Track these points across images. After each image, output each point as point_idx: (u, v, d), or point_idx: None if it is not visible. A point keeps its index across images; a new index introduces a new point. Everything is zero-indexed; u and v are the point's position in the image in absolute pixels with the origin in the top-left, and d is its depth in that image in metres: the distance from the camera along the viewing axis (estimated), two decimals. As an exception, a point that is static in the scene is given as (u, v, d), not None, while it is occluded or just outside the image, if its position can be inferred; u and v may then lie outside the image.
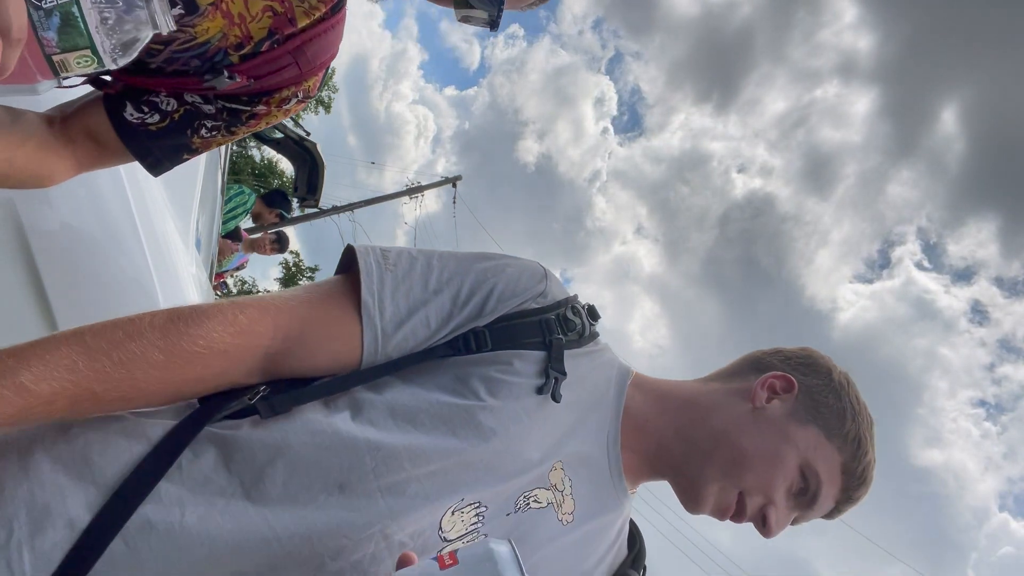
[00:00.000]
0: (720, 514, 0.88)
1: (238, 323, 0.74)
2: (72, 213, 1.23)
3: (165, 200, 1.80)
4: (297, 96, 1.05)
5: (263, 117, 1.06)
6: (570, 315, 0.86)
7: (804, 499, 0.87)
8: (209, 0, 0.89)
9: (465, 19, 1.01)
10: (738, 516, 0.87)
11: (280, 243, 5.19)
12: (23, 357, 0.65)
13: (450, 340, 0.81)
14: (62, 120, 1.01)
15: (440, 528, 0.75)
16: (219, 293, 4.97)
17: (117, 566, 0.65)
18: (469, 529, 0.76)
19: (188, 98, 1.02)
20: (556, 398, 0.81)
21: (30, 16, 0.62)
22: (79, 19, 0.66)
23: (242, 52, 0.95)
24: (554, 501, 0.82)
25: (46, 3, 0.63)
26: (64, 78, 0.71)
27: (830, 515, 0.91)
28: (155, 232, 1.60)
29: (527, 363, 0.81)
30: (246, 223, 5.00)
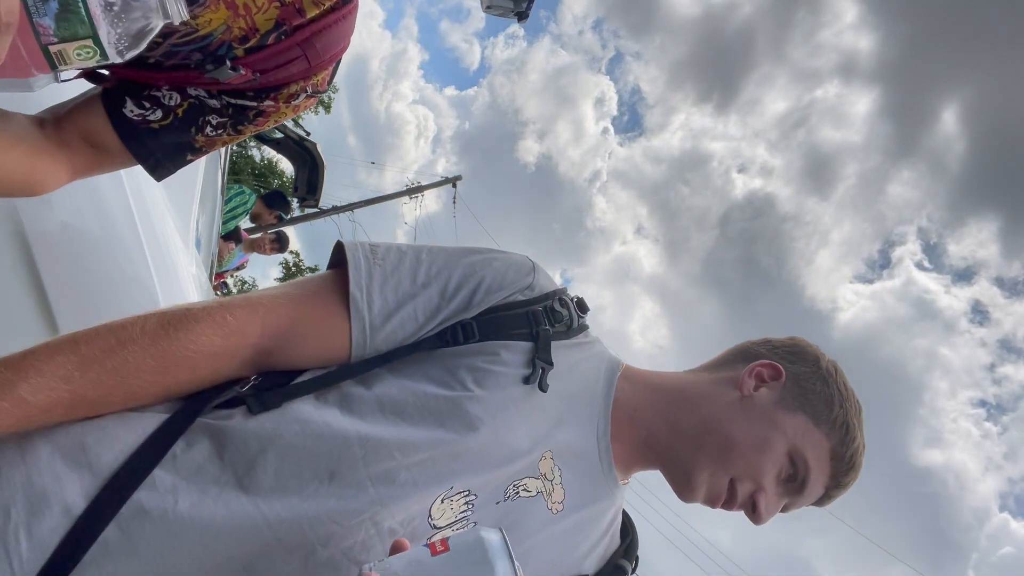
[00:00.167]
0: (712, 501, 0.89)
1: (227, 325, 0.76)
2: (72, 213, 1.24)
3: (165, 200, 1.81)
4: (306, 91, 0.99)
5: (271, 114, 1.00)
6: (557, 307, 0.88)
7: (793, 485, 0.88)
8: None
9: (490, 8, 0.99)
10: (729, 503, 0.88)
11: (280, 243, 5.20)
12: (20, 369, 0.67)
13: (438, 332, 0.82)
14: (55, 123, 0.95)
15: (430, 516, 0.76)
16: (219, 293, 4.98)
17: (112, 551, 0.66)
18: (458, 517, 0.77)
19: (192, 91, 0.96)
20: (543, 387, 0.82)
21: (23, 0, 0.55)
22: (80, 4, 0.57)
23: (247, 45, 0.88)
24: (544, 490, 0.83)
25: None
26: (61, 71, 0.63)
27: (820, 501, 0.91)
28: (155, 232, 1.60)
29: (514, 353, 0.82)
30: (245, 223, 5.02)
